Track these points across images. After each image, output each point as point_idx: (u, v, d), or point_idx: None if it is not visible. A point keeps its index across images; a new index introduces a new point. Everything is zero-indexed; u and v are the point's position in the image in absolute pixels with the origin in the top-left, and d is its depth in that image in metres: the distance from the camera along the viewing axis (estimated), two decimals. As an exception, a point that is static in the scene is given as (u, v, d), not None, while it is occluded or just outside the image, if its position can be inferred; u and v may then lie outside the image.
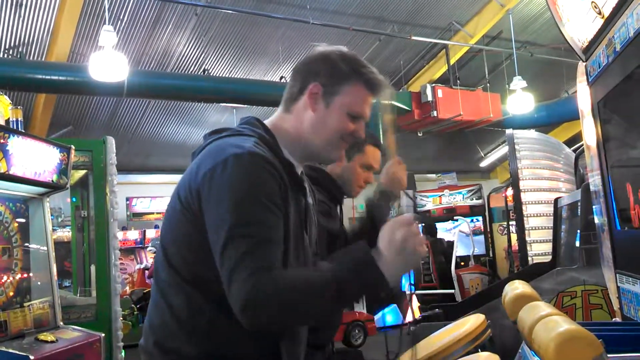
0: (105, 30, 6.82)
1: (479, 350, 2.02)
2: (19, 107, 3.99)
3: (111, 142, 4.88)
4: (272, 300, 1.31)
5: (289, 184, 1.49)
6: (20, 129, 3.87)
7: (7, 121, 3.91)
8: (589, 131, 2.63)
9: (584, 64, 2.64)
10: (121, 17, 8.65)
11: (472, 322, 2.18)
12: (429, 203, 10.97)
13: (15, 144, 3.54)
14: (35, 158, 3.75)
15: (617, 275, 2.27)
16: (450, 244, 9.11)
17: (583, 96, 2.68)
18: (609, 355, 1.30)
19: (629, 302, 2.12)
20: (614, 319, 2.43)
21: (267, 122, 1.61)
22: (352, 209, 13.90)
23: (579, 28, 2.52)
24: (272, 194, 1.40)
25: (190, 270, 1.45)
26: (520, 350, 1.83)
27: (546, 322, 1.48)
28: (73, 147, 4.16)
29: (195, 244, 1.43)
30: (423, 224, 10.13)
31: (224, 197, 1.37)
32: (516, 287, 2.34)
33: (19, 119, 3.92)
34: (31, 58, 8.90)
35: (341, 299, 1.38)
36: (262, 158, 1.41)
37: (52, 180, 3.95)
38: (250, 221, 1.36)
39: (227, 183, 1.38)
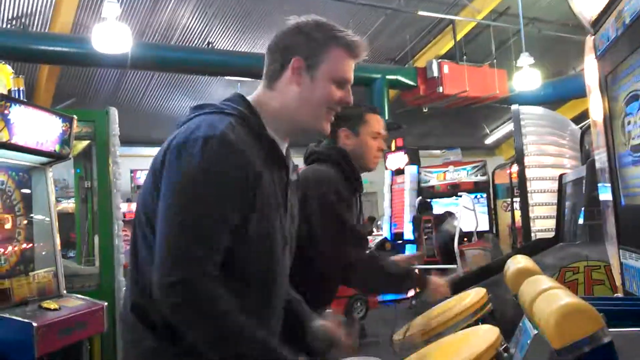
0: (109, 1, 6.76)
1: (480, 323, 2.02)
2: (20, 76, 3.97)
3: (114, 112, 4.86)
4: (200, 302, 1.32)
5: (269, 163, 1.48)
6: (22, 99, 3.85)
7: (10, 91, 3.89)
8: (596, 106, 2.60)
9: (593, 37, 2.60)
10: (125, -12, 8.58)
11: (472, 296, 2.18)
12: (433, 179, 10.93)
13: (17, 113, 3.52)
14: (37, 127, 3.74)
15: (621, 251, 2.26)
16: (453, 218, 9.09)
17: (591, 70, 2.65)
18: (609, 330, 1.29)
19: (632, 278, 2.12)
20: (615, 295, 2.43)
21: (250, 98, 1.59)
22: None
23: (588, 0, 2.48)
24: (231, 186, 1.39)
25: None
26: (521, 324, 1.83)
27: (547, 295, 1.47)
28: (75, 117, 4.14)
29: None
30: (420, 200, 10.13)
31: (181, 179, 1.37)
32: (518, 262, 2.33)
33: (21, 88, 3.89)
34: (34, 29, 8.85)
35: None
36: (230, 145, 1.39)
37: (55, 150, 3.94)
38: (199, 213, 1.36)
39: (187, 166, 1.37)
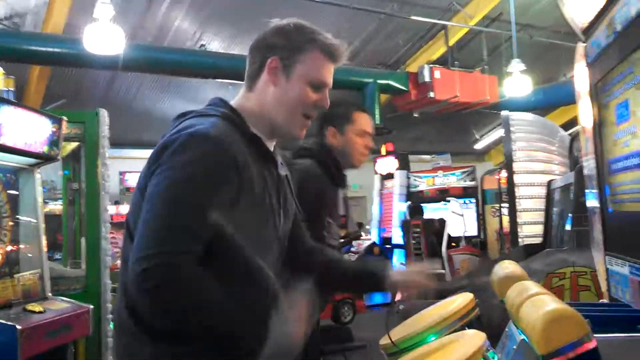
0: (102, 2, 6.74)
1: (466, 328, 2.02)
2: (11, 76, 3.94)
3: (104, 114, 4.83)
4: (181, 285, 1.31)
5: (256, 158, 1.49)
6: (12, 99, 3.82)
7: (-1, 91, 3.86)
8: (585, 113, 2.61)
9: (583, 44, 2.61)
10: (117, -11, 8.55)
11: (459, 300, 2.17)
12: (423, 184, 10.97)
13: (6, 113, 3.49)
14: (26, 128, 3.71)
15: (607, 257, 2.27)
16: (442, 224, 9.12)
17: (581, 77, 2.66)
18: (595, 335, 1.30)
19: (617, 284, 2.12)
20: (601, 301, 2.44)
21: (232, 102, 1.61)
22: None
23: (580, 7, 2.49)
24: (214, 177, 1.39)
25: None
26: (507, 329, 1.83)
27: (533, 301, 1.47)
28: (65, 118, 4.11)
29: None
30: (411, 204, 10.15)
31: (165, 171, 1.38)
32: (505, 267, 2.33)
33: (11, 89, 3.87)
34: (26, 29, 8.81)
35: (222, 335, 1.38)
36: (217, 140, 1.40)
37: (43, 151, 3.91)
38: (181, 201, 1.36)
39: (171, 159, 1.38)
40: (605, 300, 2.31)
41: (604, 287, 2.33)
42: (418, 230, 9.24)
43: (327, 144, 2.48)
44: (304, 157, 2.48)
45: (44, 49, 8.17)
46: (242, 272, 1.48)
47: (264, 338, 1.36)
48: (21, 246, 3.92)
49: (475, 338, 1.66)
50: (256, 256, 1.50)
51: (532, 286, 1.72)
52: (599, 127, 2.43)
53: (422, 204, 10.28)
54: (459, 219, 9.27)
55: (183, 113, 1.58)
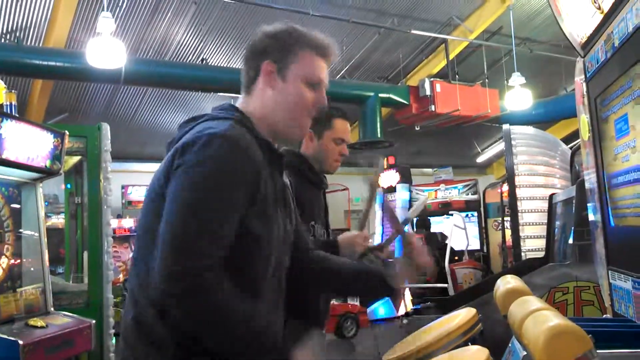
0: (104, 16, 6.78)
1: (469, 343, 2.01)
2: (13, 90, 3.96)
3: (106, 128, 4.85)
4: (206, 298, 1.31)
5: (268, 162, 1.50)
6: (14, 113, 3.83)
7: (2, 105, 3.88)
8: (585, 128, 2.62)
9: (582, 59, 2.63)
10: (120, 4, 8.59)
11: (462, 315, 2.17)
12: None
13: (9, 128, 3.51)
14: (29, 143, 3.72)
15: (610, 272, 2.26)
16: (445, 238, 9.10)
17: (580, 92, 2.67)
18: (598, 351, 1.29)
19: (620, 299, 2.12)
20: (604, 316, 2.43)
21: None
22: (348, 201, 13.92)
23: (578, 23, 2.51)
24: (236, 181, 1.40)
25: None
26: (510, 345, 1.83)
27: (536, 316, 1.47)
28: (67, 132, 4.13)
29: None
30: (417, 218, 10.13)
31: (186, 175, 1.38)
32: (508, 282, 2.33)
33: (13, 103, 3.88)
34: (28, 43, 8.84)
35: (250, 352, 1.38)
36: (237, 141, 1.41)
37: (45, 166, 3.92)
38: (205, 207, 1.36)
39: (192, 162, 1.38)
40: (608, 316, 2.30)
41: (607, 302, 2.32)
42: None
43: (299, 153, 2.48)
44: None
45: (46, 63, 8.19)
46: (252, 275, 1.48)
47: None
48: (24, 260, 3.92)
49: (478, 354, 1.65)
50: (264, 259, 1.50)
51: (535, 301, 1.72)
52: (599, 141, 2.43)
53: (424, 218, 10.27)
54: (461, 233, 9.25)
55: (194, 117, 1.59)
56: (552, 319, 1.38)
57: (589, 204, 2.68)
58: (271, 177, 1.52)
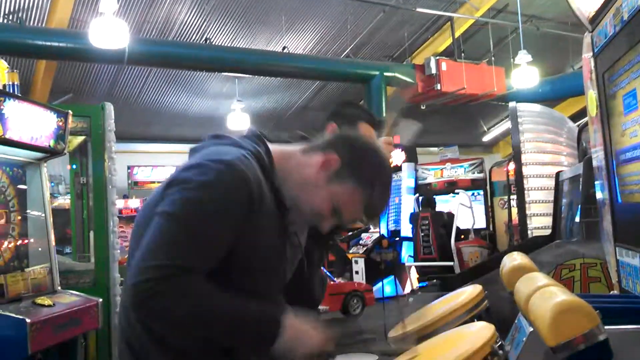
0: (106, -5, 6.72)
1: (475, 320, 2.01)
2: (15, 70, 3.94)
3: (110, 108, 4.83)
4: (176, 298, 1.31)
5: (272, 206, 1.47)
6: (17, 93, 3.82)
7: (4, 85, 3.86)
8: (593, 104, 2.59)
9: (590, 34, 2.59)
10: (122, -17, 8.54)
11: (468, 292, 2.16)
12: (430, 176, 10.93)
13: (11, 107, 3.50)
14: (32, 122, 3.72)
15: (617, 248, 2.25)
16: (451, 217, 9.09)
17: (588, 68, 2.63)
18: (605, 327, 1.28)
19: (628, 275, 2.11)
20: (612, 292, 2.42)
21: (278, 147, 1.57)
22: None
23: (587, -3, 2.47)
24: (230, 206, 1.38)
25: None
26: (516, 321, 1.82)
27: (543, 292, 1.46)
28: (70, 112, 4.12)
29: None
30: (422, 197, 10.12)
31: (181, 192, 1.38)
32: (514, 259, 2.32)
33: (16, 83, 3.87)
34: (31, 24, 8.80)
35: (231, 334, 1.39)
36: (238, 170, 1.39)
37: (49, 146, 3.91)
38: (193, 225, 1.36)
39: (191, 180, 1.38)
40: (615, 292, 2.29)
41: (614, 279, 2.31)
42: (427, 222, 9.22)
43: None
44: None
45: (49, 43, 8.16)
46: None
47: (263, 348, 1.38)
48: (30, 240, 3.94)
49: (484, 330, 1.64)
50: (254, 284, 1.48)
51: (541, 278, 1.71)
52: (607, 117, 2.41)
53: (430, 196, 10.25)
54: (467, 211, 9.24)
55: (218, 135, 1.57)
56: (559, 294, 1.37)
57: (596, 181, 2.66)
58: (274, 221, 1.48)
